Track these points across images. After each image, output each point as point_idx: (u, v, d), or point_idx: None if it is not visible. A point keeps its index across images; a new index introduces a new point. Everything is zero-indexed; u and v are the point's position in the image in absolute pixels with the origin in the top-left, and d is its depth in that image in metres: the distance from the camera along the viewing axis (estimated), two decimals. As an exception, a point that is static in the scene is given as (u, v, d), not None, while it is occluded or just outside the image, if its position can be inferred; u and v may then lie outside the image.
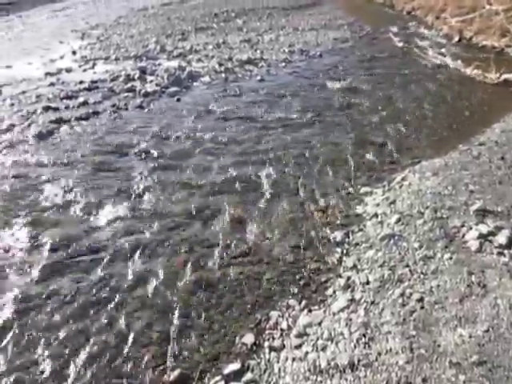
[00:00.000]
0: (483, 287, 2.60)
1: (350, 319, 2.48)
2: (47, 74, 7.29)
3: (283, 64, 7.95)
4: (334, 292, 2.74)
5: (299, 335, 2.45)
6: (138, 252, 3.15)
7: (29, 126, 5.22)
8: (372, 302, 2.58)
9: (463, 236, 3.09)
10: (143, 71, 7.17)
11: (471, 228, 3.13)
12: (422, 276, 2.73)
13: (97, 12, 13.49)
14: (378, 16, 14.02)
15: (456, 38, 10.02)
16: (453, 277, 2.70)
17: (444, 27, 10.94)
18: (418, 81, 7.16)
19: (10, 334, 2.52)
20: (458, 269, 2.77)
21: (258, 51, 8.73)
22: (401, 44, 9.77)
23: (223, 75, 7.22)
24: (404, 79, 7.25)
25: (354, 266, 2.93)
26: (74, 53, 8.67)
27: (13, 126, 5.21)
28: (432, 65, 8.14)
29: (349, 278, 2.81)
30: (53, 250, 3.17)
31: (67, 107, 5.83)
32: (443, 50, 9.08)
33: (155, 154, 4.55)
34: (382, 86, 6.87)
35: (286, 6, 14.55)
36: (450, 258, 2.87)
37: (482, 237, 3.01)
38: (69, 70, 7.49)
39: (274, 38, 9.98)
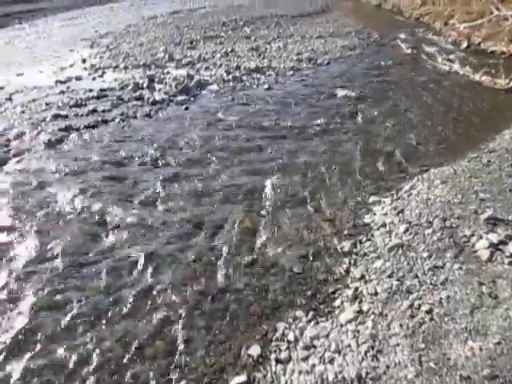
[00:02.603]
0: (494, 298, 2.55)
1: (358, 331, 2.44)
2: (57, 81, 7.36)
3: (291, 72, 7.96)
4: (342, 303, 2.71)
5: (306, 347, 2.42)
6: (145, 261, 3.14)
7: (38, 133, 5.26)
8: (380, 314, 2.54)
9: (473, 245, 3.04)
10: (152, 80, 7.21)
11: (481, 237, 3.08)
12: (431, 287, 2.69)
13: (107, 21, 13.64)
14: (386, 23, 14.01)
15: (464, 44, 9.98)
16: (463, 287, 2.65)
17: (452, 33, 10.90)
18: (426, 88, 7.13)
19: (14, 342, 2.51)
20: (468, 279, 2.72)
21: (266, 59, 8.75)
22: (409, 51, 9.74)
23: (231, 83, 7.24)
24: (412, 86, 7.22)
25: (362, 277, 2.89)
26: (83, 61, 8.76)
27: (23, 133, 5.26)
28: (440, 71, 8.11)
29: (356, 289, 2.78)
30: (59, 257, 3.18)
31: (76, 115, 5.87)
32: (452, 57, 9.04)
33: (163, 162, 4.57)
34: (390, 94, 6.84)
35: (294, 14, 14.60)
36: (460, 268, 2.83)
37: (493, 246, 2.96)
38: (78, 78, 7.56)
39: (281, 46, 10.00)
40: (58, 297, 2.84)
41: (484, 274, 2.74)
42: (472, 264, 2.85)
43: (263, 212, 3.72)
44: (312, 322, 2.59)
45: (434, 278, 2.76)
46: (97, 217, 3.65)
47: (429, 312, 2.48)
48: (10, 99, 6.46)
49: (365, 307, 2.62)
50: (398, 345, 2.31)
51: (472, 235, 3.12)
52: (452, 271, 2.80)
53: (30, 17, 14.26)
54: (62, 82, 7.30)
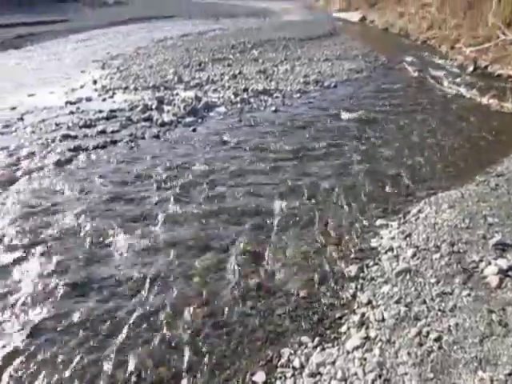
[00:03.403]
0: (504, 326, 2.49)
1: (365, 359, 2.39)
2: (68, 102, 7.47)
3: (298, 95, 8.04)
4: (348, 329, 2.66)
5: (312, 374, 2.37)
6: (149, 282, 3.12)
7: (48, 153, 5.31)
8: (387, 341, 2.49)
9: (482, 271, 2.99)
10: (161, 101, 7.31)
11: (490, 263, 3.03)
12: (439, 314, 2.64)
13: (118, 43, 13.91)
14: (393, 46, 14.18)
15: (471, 68, 10.05)
16: (472, 315, 2.60)
17: (459, 57, 11.00)
18: (433, 111, 7.15)
19: (17, 361, 2.49)
20: (478, 306, 2.67)
21: (274, 82, 8.85)
22: (416, 74, 9.82)
23: (239, 105, 7.31)
24: (419, 109, 7.25)
25: (369, 302, 2.85)
26: (94, 82, 8.90)
27: (32, 153, 5.32)
28: (447, 94, 8.15)
29: (363, 315, 2.73)
30: (64, 277, 3.17)
31: (85, 135, 5.94)
32: (458, 80, 9.10)
33: (169, 183, 4.59)
34: (397, 117, 6.87)
35: (301, 37, 14.84)
36: (469, 295, 2.78)
37: (502, 272, 2.91)
38: (89, 99, 7.67)
39: (289, 68, 10.12)
40: (60, 318, 2.81)
41: (493, 301, 2.69)
42: (481, 290, 2.80)
43: (269, 234, 3.70)
44: (318, 348, 2.54)
45: (443, 304, 2.71)
46: (102, 237, 3.65)
47: (437, 340, 2.43)
48: (21, 119, 6.56)
49: (372, 334, 2.57)
50: (406, 374, 2.25)
51: (481, 261, 3.08)
52: (461, 298, 2.75)
53: (42, 38, 14.58)
54: (72, 103, 7.40)
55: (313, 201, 4.27)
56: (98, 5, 26.97)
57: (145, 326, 2.75)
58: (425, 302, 2.76)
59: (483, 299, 2.73)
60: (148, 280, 3.14)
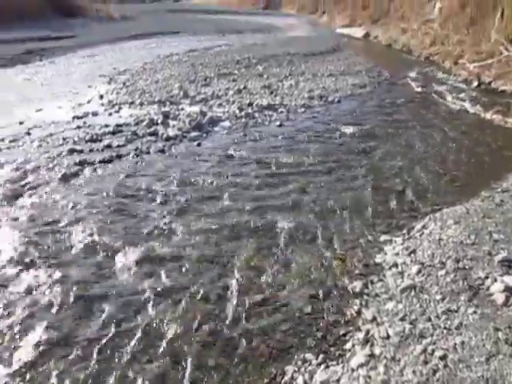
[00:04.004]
0: (511, 345, 2.47)
1: (370, 377, 2.37)
2: (74, 117, 7.53)
3: (302, 109, 8.09)
4: (353, 346, 2.64)
5: (316, 393, 2.36)
6: (153, 298, 3.12)
7: (54, 167, 5.35)
8: (392, 359, 2.47)
9: (488, 288, 2.98)
10: (166, 116, 7.37)
11: (496, 280, 3.02)
12: (445, 331, 2.62)
13: (125, 58, 14.07)
14: (396, 62, 14.28)
15: (475, 83, 10.10)
16: (478, 333, 2.58)
17: (462, 72, 11.06)
18: (437, 126, 7.17)
19: (21, 373, 2.48)
20: (484, 324, 2.65)
21: (278, 97, 8.92)
22: (419, 89, 9.87)
23: (243, 120, 7.36)
24: (423, 124, 7.27)
25: (374, 319, 2.83)
26: (101, 97, 8.98)
27: (39, 167, 5.36)
28: (451, 110, 8.18)
29: (368, 332, 2.71)
30: (66, 292, 3.17)
31: (91, 150, 5.98)
32: (462, 95, 9.14)
33: (174, 198, 4.61)
34: (401, 132, 6.89)
35: (305, 53, 14.97)
36: (475, 313, 2.76)
37: (508, 290, 2.90)
38: (95, 114, 7.74)
39: (293, 83, 10.20)
40: (64, 332, 2.81)
41: (500, 319, 2.66)
42: (487, 308, 2.78)
43: (273, 249, 3.70)
44: (322, 366, 2.52)
45: (448, 322, 2.69)
46: (106, 251, 3.66)
47: (443, 358, 2.41)
48: (28, 134, 6.62)
49: (377, 351, 2.55)
50: (411, 393, 2.23)
51: (486, 277, 3.06)
52: (466, 315, 2.73)
53: (50, 53, 14.76)
54: (79, 118, 7.47)
55: (317, 215, 4.27)
56: (106, 20, 27.37)
57: (148, 341, 2.74)
58: (430, 319, 2.74)
59: (489, 317, 2.71)
60: (152, 295, 3.14)
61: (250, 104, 8.24)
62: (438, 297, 2.93)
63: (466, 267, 3.20)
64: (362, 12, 24.95)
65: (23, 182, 4.92)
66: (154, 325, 2.87)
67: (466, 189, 4.84)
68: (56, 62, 13.44)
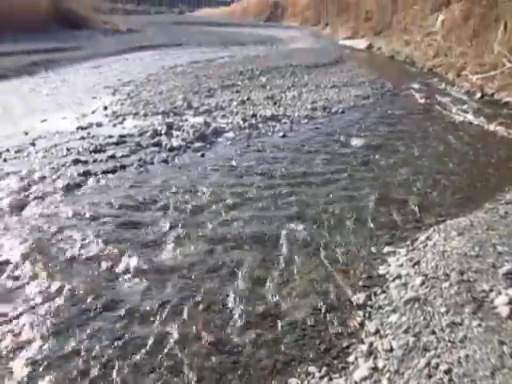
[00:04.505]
0: (516, 359, 2.44)
1: (373, 390, 2.35)
2: (79, 128, 7.57)
3: (305, 120, 8.13)
4: (356, 359, 2.62)
5: (319, 406, 2.33)
6: (157, 309, 3.11)
7: (58, 178, 5.38)
8: (396, 372, 2.44)
9: (492, 301, 2.95)
10: (170, 127, 7.41)
11: (500, 293, 2.99)
12: (449, 344, 2.59)
13: (129, 70, 14.19)
14: (399, 73, 14.36)
15: (478, 95, 10.13)
16: (482, 346, 2.55)
17: (465, 84, 11.10)
18: (440, 137, 7.18)
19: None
20: (488, 337, 2.62)
21: (281, 108, 8.97)
22: (422, 101, 9.90)
23: (247, 131, 7.40)
24: (426, 136, 7.29)
25: (377, 331, 2.81)
26: (105, 108, 9.04)
27: (43, 177, 5.38)
28: (454, 121, 8.19)
29: (371, 344, 2.69)
30: (70, 303, 3.17)
31: (95, 160, 6.00)
32: (465, 107, 9.16)
33: (177, 208, 4.61)
34: (404, 143, 6.90)
35: (308, 65, 15.08)
36: (479, 325, 2.73)
37: (513, 303, 2.88)
38: (99, 125, 7.78)
39: (296, 94, 10.26)
40: (69, 344, 2.80)
41: (504, 333, 2.64)
42: (492, 321, 2.76)
43: (276, 260, 3.69)
44: (325, 379, 2.49)
45: (452, 335, 2.67)
46: (110, 262, 3.66)
47: (447, 372, 2.38)
48: (33, 144, 6.66)
49: (380, 364, 2.53)
50: (415, 407, 2.21)
51: (491, 290, 3.04)
52: (471, 328, 2.70)
53: (56, 65, 14.89)
54: (83, 128, 7.51)
55: (320, 226, 4.27)
56: (111, 32, 27.68)
57: (151, 352, 2.73)
58: (434, 332, 2.72)
59: (494, 330, 2.68)
60: (155, 306, 3.13)
61: (254, 115, 8.29)
62: (442, 309, 2.90)
63: (470, 279, 3.18)
64: (364, 24, 25.16)
65: (27, 193, 4.94)
66: (156, 335, 2.86)
67: (470, 200, 4.83)
68: (61, 73, 13.57)
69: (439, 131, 7.55)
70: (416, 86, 11.75)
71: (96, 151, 6.37)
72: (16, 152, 6.28)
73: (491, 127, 7.56)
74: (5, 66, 13.39)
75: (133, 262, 3.66)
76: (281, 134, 7.28)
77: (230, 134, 7.27)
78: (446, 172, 5.68)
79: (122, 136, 7.02)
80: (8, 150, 6.31)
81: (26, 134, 7.19)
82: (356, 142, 6.87)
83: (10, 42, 17.73)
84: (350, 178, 5.48)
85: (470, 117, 8.36)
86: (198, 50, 20.31)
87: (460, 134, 7.40)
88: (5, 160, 5.92)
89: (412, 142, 6.95)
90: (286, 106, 9.17)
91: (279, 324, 2.96)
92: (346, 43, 24.11)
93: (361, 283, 3.37)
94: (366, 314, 3.01)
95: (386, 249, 3.84)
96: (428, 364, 2.45)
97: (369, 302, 3.13)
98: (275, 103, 9.37)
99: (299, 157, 6.22)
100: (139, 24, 34.46)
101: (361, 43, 22.46)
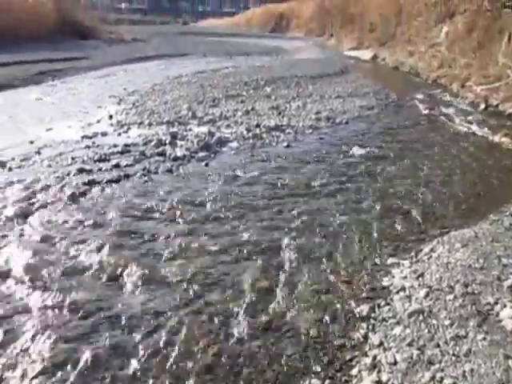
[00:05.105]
0: (522, 373, 2.42)
1: (377, 404, 2.33)
2: (84, 137, 7.61)
3: (310, 130, 8.14)
4: (360, 372, 2.59)
5: (322, 420, 2.31)
6: (159, 319, 3.11)
7: (63, 186, 5.39)
8: (400, 386, 2.42)
9: (497, 314, 2.93)
10: (174, 136, 7.44)
11: (506, 306, 2.97)
12: (453, 358, 2.57)
13: (134, 79, 14.28)
14: (403, 84, 14.39)
15: (482, 106, 10.13)
16: (488, 360, 2.53)
17: (469, 95, 11.10)
18: (444, 148, 7.18)
19: (25, 403, 2.46)
20: (494, 351, 2.60)
21: (286, 118, 9.00)
22: (426, 111, 9.91)
23: (251, 141, 7.42)
24: (430, 146, 7.28)
25: (381, 344, 2.79)
26: (110, 117, 9.09)
27: (48, 186, 5.40)
28: (459, 132, 8.18)
29: (375, 357, 2.67)
30: (73, 314, 3.16)
31: (100, 169, 6.03)
32: (469, 118, 9.15)
33: (181, 218, 4.62)
34: (408, 153, 6.90)
35: (313, 75, 15.14)
36: (484, 339, 2.71)
37: (518, 316, 2.85)
38: (104, 134, 7.82)
39: (301, 105, 10.30)
40: (69, 353, 2.79)
41: (510, 346, 2.61)
42: (497, 334, 2.73)
43: (280, 271, 3.68)
44: (328, 392, 2.48)
45: (457, 348, 2.64)
46: (113, 271, 3.66)
47: (452, 386, 2.36)
48: (38, 153, 6.70)
49: (384, 377, 2.51)
50: (419, 421, 2.18)
51: (496, 303, 3.02)
52: (476, 342, 2.68)
53: (63, 74, 14.99)
54: (88, 137, 7.55)
55: (324, 237, 4.26)
56: (117, 42, 27.96)
57: (153, 362, 2.72)
58: (438, 345, 2.69)
59: (499, 344, 2.66)
60: (158, 316, 3.12)
61: (258, 125, 8.31)
62: (447, 322, 2.88)
63: (475, 292, 3.16)
64: (369, 35, 25.28)
65: (32, 201, 4.96)
66: (158, 346, 2.85)
67: (474, 212, 4.81)
68: (67, 82, 13.69)
69: (443, 142, 7.54)
70: (420, 96, 11.77)
71: (100, 160, 6.40)
72: (21, 161, 6.31)
73: (496, 138, 7.55)
74: (12, 75, 13.52)
75: (135, 271, 3.65)
76: (285, 144, 7.30)
77: (234, 144, 7.29)
78: (450, 183, 5.67)
79: (126, 145, 7.04)
80: (13, 159, 6.34)
81: (32, 142, 7.22)
82: (360, 152, 6.87)
83: (18, 52, 17.92)
84: (353, 188, 5.47)
85: (474, 128, 8.35)
86: (202, 60, 20.45)
87: (464, 145, 7.40)
88: (10, 169, 5.96)
89: (416, 153, 6.95)
90: (290, 116, 9.20)
91: (282, 335, 2.95)
92: (350, 54, 24.22)
93: (364, 295, 3.35)
94: (370, 326, 2.99)
95: (390, 260, 3.82)
96: (432, 378, 2.43)
97: (372, 314, 3.11)
98: (280, 113, 9.41)
99: (303, 167, 6.22)
100: (145, 34, 34.77)
101: (365, 54, 22.56)
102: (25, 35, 20.26)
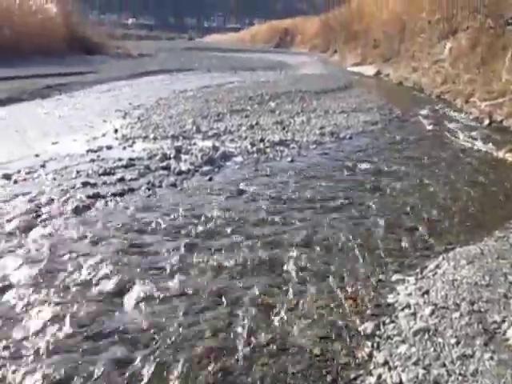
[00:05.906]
0: (530, 394, 2.37)
1: (382, 425, 2.28)
2: (89, 150, 7.65)
3: (314, 146, 8.16)
4: (364, 391, 2.55)
5: None
6: (162, 335, 3.08)
7: (67, 200, 5.41)
8: (406, 406, 2.38)
9: (504, 333, 2.88)
10: (179, 150, 7.47)
11: (513, 324, 2.93)
12: (460, 378, 2.52)
13: (140, 93, 14.41)
14: (407, 99, 14.45)
15: (486, 122, 10.14)
16: (495, 380, 2.48)
17: (474, 110, 11.12)
18: (448, 164, 7.16)
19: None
20: (501, 371, 2.55)
21: (290, 133, 9.03)
22: (431, 127, 9.93)
23: (255, 155, 7.44)
24: (434, 162, 7.27)
25: (386, 363, 2.74)
26: (115, 131, 9.14)
27: (52, 199, 5.42)
28: (463, 148, 8.18)
29: (380, 376, 2.62)
30: (75, 328, 3.14)
31: (104, 183, 6.04)
32: (474, 133, 9.15)
33: (185, 232, 4.61)
34: (413, 169, 6.89)
35: (317, 90, 15.24)
36: (491, 358, 2.66)
37: (526, 335, 2.80)
38: (109, 148, 7.86)
39: (305, 120, 10.34)
40: (71, 370, 2.76)
41: (517, 366, 2.56)
42: (504, 354, 2.69)
43: (283, 287, 3.65)
44: (332, 412, 2.43)
45: (464, 367, 2.60)
46: (116, 287, 3.64)
47: (459, 407, 2.31)
48: (43, 166, 6.73)
49: (389, 397, 2.46)
50: None
51: (503, 321, 2.97)
52: (482, 361, 2.63)
53: (69, 89, 15.15)
54: (93, 151, 7.59)
55: (328, 253, 4.23)
56: (124, 57, 28.31)
57: (155, 380, 2.69)
58: (444, 364, 2.65)
59: (506, 363, 2.61)
60: (160, 332, 3.09)
61: (262, 140, 8.34)
62: (453, 340, 2.84)
63: (481, 310, 3.12)
64: (372, 51, 25.49)
65: (36, 214, 4.97)
66: (160, 362, 2.82)
67: (480, 228, 4.77)
68: (74, 96, 13.83)
69: (447, 158, 7.53)
70: (424, 112, 11.79)
71: (105, 174, 6.42)
72: (26, 173, 6.34)
73: (500, 154, 7.53)
74: (20, 88, 13.68)
75: (138, 287, 3.63)
76: (289, 158, 7.31)
77: (239, 159, 7.30)
78: (454, 199, 5.64)
79: (131, 159, 7.07)
80: (19, 172, 6.38)
81: (37, 156, 7.27)
82: (364, 167, 6.87)
83: (26, 66, 18.14)
84: (358, 203, 5.45)
85: (478, 143, 8.35)
86: (207, 75, 20.64)
87: (468, 160, 7.38)
88: (15, 181, 5.99)
89: (420, 169, 6.93)
90: (294, 131, 9.24)
91: (285, 353, 2.91)
92: (354, 69, 24.40)
93: (369, 312, 3.31)
94: (375, 345, 2.94)
95: (395, 277, 3.78)
96: (439, 398, 2.39)
97: (377, 332, 3.06)
98: (284, 128, 9.44)
99: (307, 182, 6.22)
100: (151, 49, 35.22)
101: (369, 70, 22.72)
102: (34, 49, 20.54)
